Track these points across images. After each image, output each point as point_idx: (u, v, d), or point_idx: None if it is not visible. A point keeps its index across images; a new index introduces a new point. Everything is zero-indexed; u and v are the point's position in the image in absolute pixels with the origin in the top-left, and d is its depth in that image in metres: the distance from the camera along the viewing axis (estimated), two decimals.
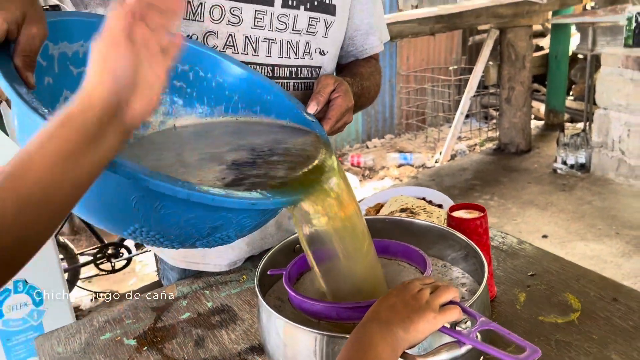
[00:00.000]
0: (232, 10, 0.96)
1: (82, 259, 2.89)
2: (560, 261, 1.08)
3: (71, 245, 2.87)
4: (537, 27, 5.49)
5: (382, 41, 1.19)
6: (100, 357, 0.91)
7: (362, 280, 0.76)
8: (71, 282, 2.77)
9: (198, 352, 0.90)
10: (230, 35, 0.97)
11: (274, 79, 1.00)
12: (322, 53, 1.06)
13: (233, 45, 0.98)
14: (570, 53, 5.08)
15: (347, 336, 0.61)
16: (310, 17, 1.02)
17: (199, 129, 0.87)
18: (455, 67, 5.38)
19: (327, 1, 1.04)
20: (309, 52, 1.05)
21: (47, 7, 1.04)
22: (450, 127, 4.76)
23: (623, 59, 3.64)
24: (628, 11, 3.69)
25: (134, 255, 3.02)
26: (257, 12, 0.97)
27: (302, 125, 0.87)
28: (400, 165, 4.77)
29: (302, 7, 1.01)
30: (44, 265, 1.67)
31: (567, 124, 5.18)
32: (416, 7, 5.09)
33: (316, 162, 0.71)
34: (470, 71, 4.68)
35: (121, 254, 2.95)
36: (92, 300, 2.99)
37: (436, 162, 4.74)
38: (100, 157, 0.50)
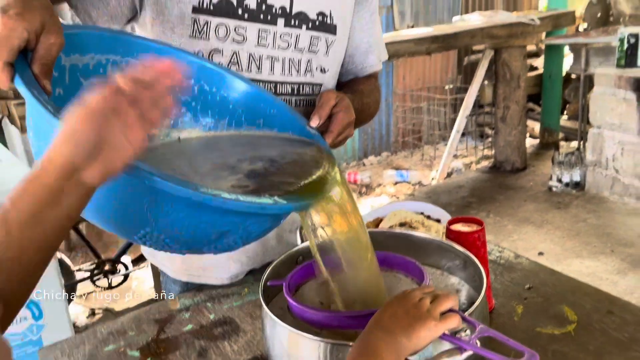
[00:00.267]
0: (236, 29, 0.99)
1: (79, 275, 2.88)
2: (556, 275, 1.10)
3: (68, 261, 2.86)
4: (531, 48, 5.58)
5: (380, 60, 1.22)
6: None
7: (367, 289, 0.78)
8: (67, 298, 2.76)
9: None
10: (234, 53, 1.00)
11: (277, 96, 1.03)
12: (323, 71, 1.09)
13: (237, 63, 1.01)
14: (564, 73, 5.15)
15: (351, 344, 0.63)
16: (312, 36, 1.05)
17: (204, 142, 0.89)
18: (451, 86, 5.44)
19: (329, 21, 1.07)
20: (311, 70, 1.08)
21: None
22: (446, 145, 4.80)
23: (616, 79, 3.70)
24: (620, 32, 3.76)
25: (131, 272, 3.01)
26: (260, 31, 1.01)
27: (305, 138, 0.89)
28: (396, 183, 4.80)
29: (304, 27, 1.04)
30: (43, 280, 1.67)
31: (562, 143, 5.23)
32: (412, 27, 5.17)
33: (321, 171, 0.74)
34: (465, 90, 4.74)
35: (118, 270, 2.95)
36: (88, 317, 2.97)
37: (432, 179, 4.77)
38: (62, 215, 0.54)
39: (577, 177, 4.09)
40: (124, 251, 2.91)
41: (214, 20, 0.97)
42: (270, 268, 0.85)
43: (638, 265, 3.09)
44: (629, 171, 3.77)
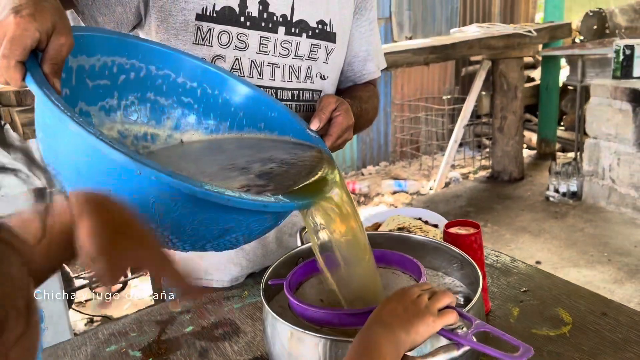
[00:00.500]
0: (239, 36, 1.01)
1: (78, 283, 2.89)
2: (552, 278, 1.12)
3: (67, 268, 2.87)
4: (528, 59, 5.63)
5: (379, 68, 1.25)
6: None
7: (365, 287, 0.80)
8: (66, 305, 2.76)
9: None
10: (236, 59, 1.02)
11: None
12: (322, 77, 1.12)
13: (239, 69, 1.03)
14: (560, 84, 5.20)
15: (351, 340, 0.64)
16: (311, 44, 1.08)
17: (208, 144, 0.91)
18: (449, 96, 5.48)
19: (328, 29, 1.09)
20: (311, 77, 1.10)
21: None
22: (443, 155, 4.83)
23: (612, 90, 3.74)
24: (616, 44, 3.81)
25: (129, 279, 3.02)
26: (262, 39, 1.03)
27: (305, 141, 0.91)
28: (395, 192, 4.81)
29: (304, 35, 1.07)
30: (44, 284, 1.69)
31: (559, 153, 5.27)
32: (410, 38, 5.22)
33: (321, 173, 0.76)
34: (463, 101, 4.77)
35: None
36: (86, 324, 2.97)
37: (430, 189, 4.80)
38: None
39: (574, 187, 4.12)
40: None
41: (217, 28, 1.00)
42: (270, 269, 0.87)
43: (635, 274, 3.11)
44: (625, 181, 3.80)
